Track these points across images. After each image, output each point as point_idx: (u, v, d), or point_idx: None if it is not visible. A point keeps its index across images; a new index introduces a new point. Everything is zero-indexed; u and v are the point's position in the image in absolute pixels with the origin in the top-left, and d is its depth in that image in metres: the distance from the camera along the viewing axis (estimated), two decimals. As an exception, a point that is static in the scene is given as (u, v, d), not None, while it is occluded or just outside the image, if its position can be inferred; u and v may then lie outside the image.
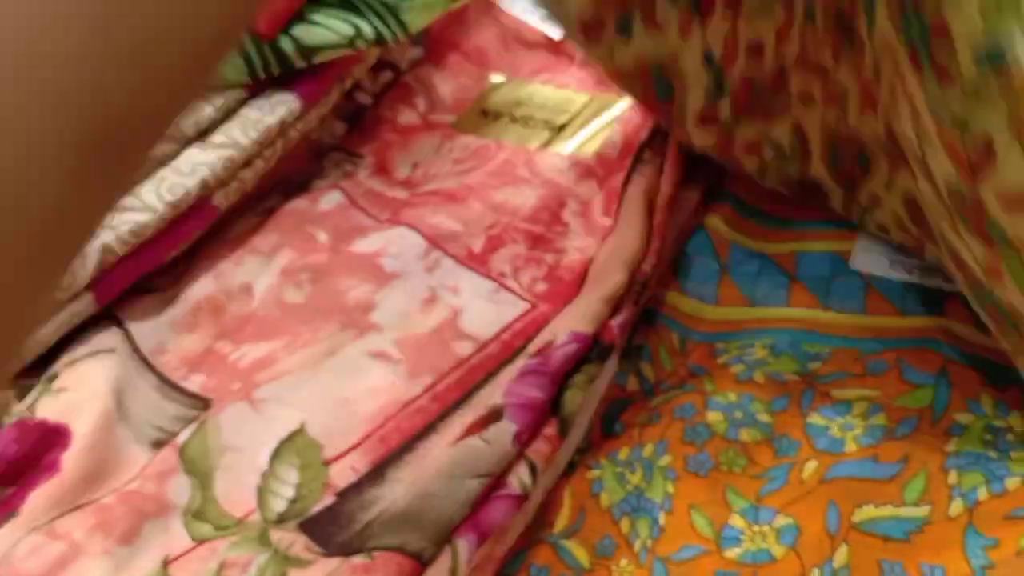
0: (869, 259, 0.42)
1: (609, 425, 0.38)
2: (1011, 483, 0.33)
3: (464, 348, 0.39)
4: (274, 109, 0.40)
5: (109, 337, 0.39)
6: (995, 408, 0.35)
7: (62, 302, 0.37)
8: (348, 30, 0.40)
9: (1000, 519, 0.32)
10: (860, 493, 0.33)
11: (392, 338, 0.39)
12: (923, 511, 0.32)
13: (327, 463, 0.34)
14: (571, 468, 0.37)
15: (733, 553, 0.32)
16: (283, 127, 0.40)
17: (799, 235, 0.43)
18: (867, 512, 0.32)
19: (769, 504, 0.33)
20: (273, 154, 0.41)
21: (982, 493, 0.33)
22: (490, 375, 0.37)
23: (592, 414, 0.39)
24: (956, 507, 0.32)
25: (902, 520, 0.32)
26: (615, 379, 0.40)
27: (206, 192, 0.39)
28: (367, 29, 0.40)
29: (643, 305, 0.41)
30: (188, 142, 0.38)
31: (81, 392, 0.37)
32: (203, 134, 0.38)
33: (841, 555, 0.31)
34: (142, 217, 0.37)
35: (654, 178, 0.43)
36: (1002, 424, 0.35)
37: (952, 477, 0.33)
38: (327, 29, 0.40)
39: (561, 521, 0.35)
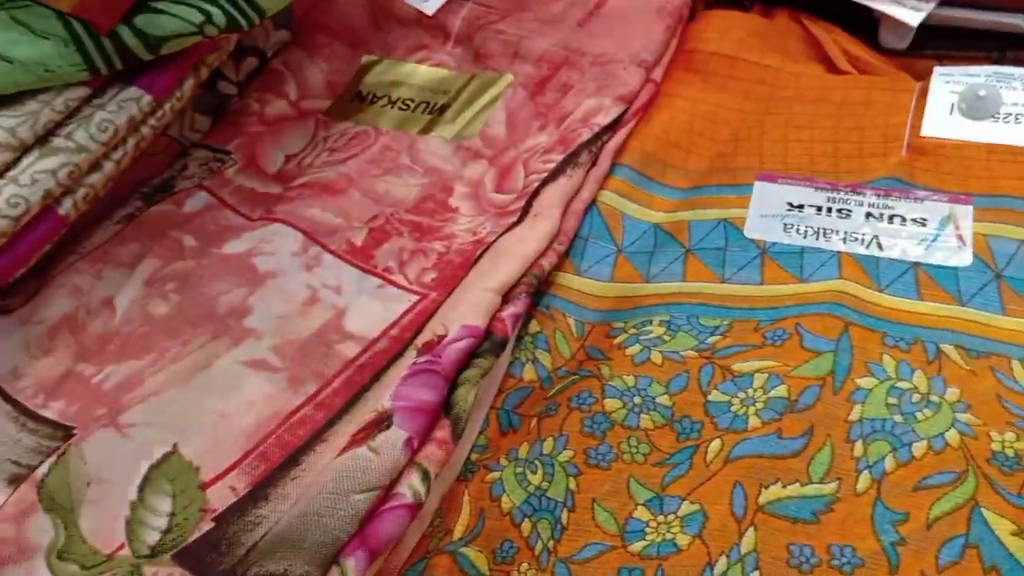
0: (763, 225, 0.41)
1: (506, 418, 0.36)
2: (917, 448, 0.32)
3: (350, 349, 0.36)
4: (121, 107, 0.36)
5: (-45, 367, 0.36)
6: (898, 369, 0.34)
7: None
8: (196, 16, 0.37)
9: (909, 490, 0.31)
10: (766, 472, 0.32)
11: (270, 344, 0.36)
12: (830, 488, 0.31)
13: (203, 487, 0.32)
14: (470, 469, 0.35)
15: (637, 547, 0.30)
16: (132, 125, 0.37)
17: (690, 203, 0.42)
18: (774, 492, 0.31)
19: (674, 492, 0.32)
20: (125, 155, 0.37)
21: (889, 463, 0.32)
22: (378, 374, 0.35)
23: (487, 409, 0.37)
24: (864, 481, 0.31)
25: (809, 499, 0.31)
26: (510, 369, 0.38)
27: (50, 202, 0.35)
28: (218, 14, 0.37)
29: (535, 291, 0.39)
30: (26, 149, 0.35)
31: (-73, 430, 0.34)
32: (42, 139, 0.35)
33: (748, 540, 0.30)
34: (-20, 235, 0.34)
35: (579, 180, 0.42)
36: (906, 386, 0.34)
37: (858, 448, 0.32)
38: (173, 17, 0.37)
39: (460, 527, 0.33)
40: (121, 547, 0.30)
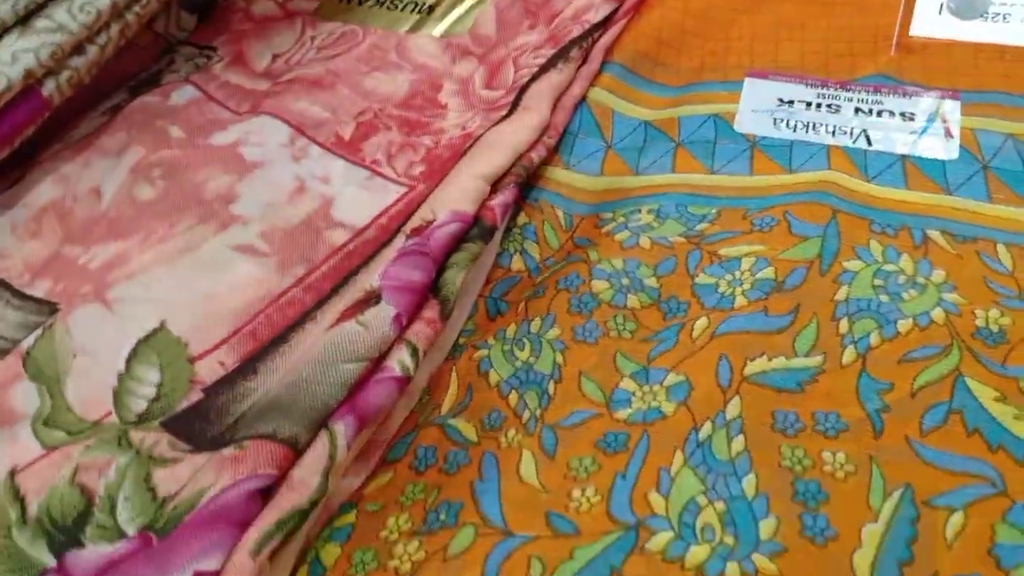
0: (753, 120, 0.41)
1: (494, 305, 0.36)
2: (903, 325, 0.32)
3: (338, 236, 0.36)
4: (105, -12, 0.36)
5: (-61, 246, 0.35)
6: (884, 254, 0.35)
7: None
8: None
9: (894, 363, 0.31)
10: (751, 346, 0.32)
11: (257, 231, 0.36)
12: (815, 361, 0.31)
13: (192, 360, 0.32)
14: (458, 351, 0.35)
15: (623, 414, 0.31)
16: (116, 10, 0.36)
17: (681, 100, 0.42)
18: (759, 364, 0.31)
19: (660, 365, 0.32)
20: (109, 41, 0.37)
21: (874, 339, 0.32)
22: (367, 260, 0.35)
23: (476, 296, 0.37)
24: (849, 355, 0.31)
25: (794, 371, 0.31)
26: (499, 260, 0.38)
27: (32, 82, 0.35)
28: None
29: (525, 184, 0.39)
30: (7, 29, 0.34)
31: (-88, 307, 0.33)
32: (23, 20, 0.35)
33: (733, 407, 0.30)
34: (-39, 110, 0.33)
35: (570, 76, 0.41)
36: (892, 268, 0.34)
37: (843, 326, 0.32)
38: (159, -102, 0.36)
39: (448, 402, 0.33)
40: (108, 415, 0.30)
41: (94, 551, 0.26)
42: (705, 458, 0.29)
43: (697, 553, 0.26)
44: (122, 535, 0.27)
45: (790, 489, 0.28)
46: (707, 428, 0.30)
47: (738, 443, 0.29)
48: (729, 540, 0.27)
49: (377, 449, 0.32)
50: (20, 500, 0.28)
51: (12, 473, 0.28)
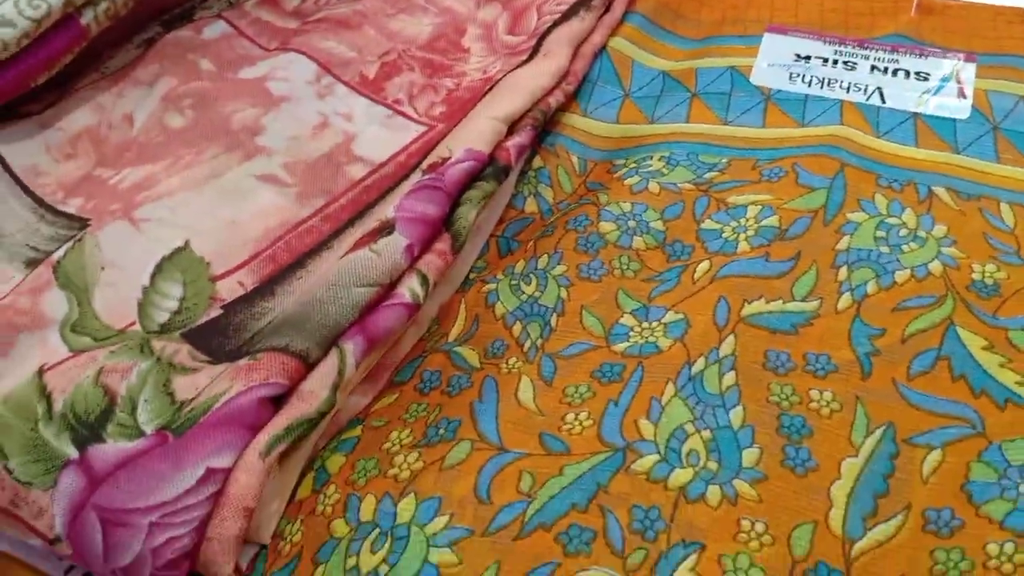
0: (769, 73, 0.41)
1: (505, 244, 0.37)
2: (900, 276, 0.33)
3: (358, 170, 0.38)
4: (144, -79, 0.38)
5: (-21, 159, 0.37)
6: (889, 207, 0.35)
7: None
8: None
9: (888, 311, 0.32)
10: (750, 289, 0.33)
11: (281, 162, 0.38)
12: (811, 305, 0.32)
13: (213, 279, 0.33)
14: (467, 284, 0.36)
15: (620, 347, 0.32)
16: (154, -58, 0.38)
17: (700, 52, 0.43)
18: (756, 307, 0.32)
19: (660, 303, 0.33)
20: (147, -25, 0.39)
21: (871, 287, 0.33)
22: (384, 193, 0.37)
23: (489, 235, 0.38)
24: (844, 301, 0.32)
25: (790, 314, 0.32)
26: (512, 202, 0.39)
27: (71, 11, 0.36)
28: None
29: (542, 129, 0.40)
30: (49, -43, 0.36)
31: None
32: (65, -52, 0.36)
33: (728, 345, 0.31)
34: (3, 32, 0.35)
35: (591, 24, 0.42)
36: (895, 221, 0.35)
37: (842, 273, 0.33)
38: None
39: (455, 331, 0.34)
40: (132, 324, 0.32)
41: (114, 447, 0.28)
42: (696, 390, 0.30)
43: (680, 476, 0.28)
44: (141, 433, 0.28)
45: (775, 423, 0.29)
46: (700, 363, 0.31)
47: (729, 378, 0.30)
48: (712, 465, 0.28)
49: (385, 371, 0.34)
50: (47, 397, 0.29)
51: (40, 371, 0.30)
